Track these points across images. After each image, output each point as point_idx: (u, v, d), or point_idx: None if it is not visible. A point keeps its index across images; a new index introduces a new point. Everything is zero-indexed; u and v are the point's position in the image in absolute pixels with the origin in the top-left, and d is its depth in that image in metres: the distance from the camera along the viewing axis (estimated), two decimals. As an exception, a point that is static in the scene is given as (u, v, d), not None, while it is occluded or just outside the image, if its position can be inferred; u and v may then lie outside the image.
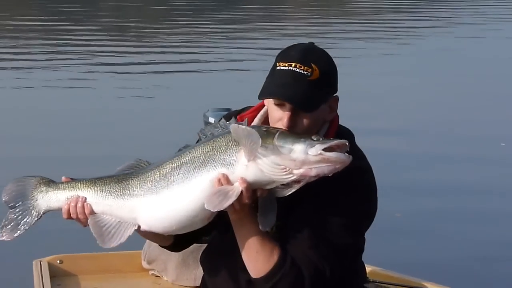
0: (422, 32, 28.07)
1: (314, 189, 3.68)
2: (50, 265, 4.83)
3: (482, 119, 13.77)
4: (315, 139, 3.36)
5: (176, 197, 3.52)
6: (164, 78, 17.49)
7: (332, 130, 3.87)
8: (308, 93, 3.74)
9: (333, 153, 3.33)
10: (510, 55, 22.65)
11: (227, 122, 3.53)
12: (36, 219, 3.70)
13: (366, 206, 3.87)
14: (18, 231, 3.72)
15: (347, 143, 3.37)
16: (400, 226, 8.91)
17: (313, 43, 3.90)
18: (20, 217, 3.73)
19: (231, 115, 4.05)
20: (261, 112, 3.95)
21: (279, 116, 3.76)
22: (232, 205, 3.41)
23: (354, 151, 3.80)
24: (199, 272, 4.27)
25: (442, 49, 23.45)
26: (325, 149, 3.33)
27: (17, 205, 3.74)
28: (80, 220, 3.61)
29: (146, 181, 3.59)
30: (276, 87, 3.75)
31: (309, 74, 3.72)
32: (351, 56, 20.06)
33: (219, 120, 3.63)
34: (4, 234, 3.71)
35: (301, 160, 3.34)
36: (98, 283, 4.95)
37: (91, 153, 10.14)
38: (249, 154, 3.39)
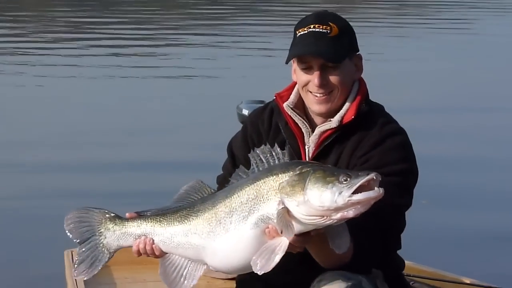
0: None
1: (364, 158, 3.85)
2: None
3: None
4: (343, 180, 3.32)
5: (232, 246, 3.56)
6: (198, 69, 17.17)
7: (360, 96, 3.94)
8: (331, 47, 3.84)
9: (362, 194, 3.30)
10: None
11: (280, 151, 3.53)
12: (108, 257, 3.77)
13: (407, 164, 3.90)
14: (95, 270, 3.78)
15: (374, 177, 3.33)
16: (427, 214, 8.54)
17: (325, 10, 4.09)
18: (92, 255, 3.78)
19: (264, 109, 4.20)
20: (295, 90, 4.01)
21: (307, 79, 3.87)
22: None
23: (386, 117, 4.00)
24: None
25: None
26: (353, 192, 3.31)
27: (86, 241, 3.78)
28: (152, 256, 3.75)
29: (205, 223, 3.61)
30: (301, 47, 3.88)
31: (328, 31, 3.87)
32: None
33: (273, 146, 3.59)
34: (81, 273, 3.79)
35: (333, 209, 3.32)
36: (129, 274, 4.99)
37: (139, 141, 10.15)
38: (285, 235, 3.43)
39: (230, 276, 4.58)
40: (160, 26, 25.60)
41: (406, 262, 4.23)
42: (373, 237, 3.69)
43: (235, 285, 4.18)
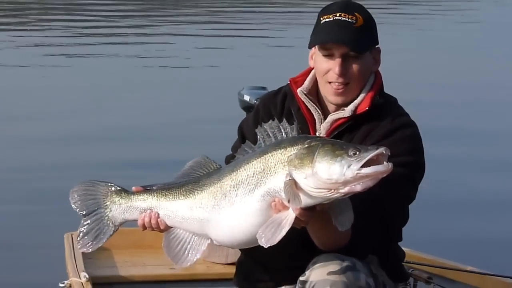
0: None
1: (386, 138, 3.85)
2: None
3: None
4: (352, 153, 3.30)
5: (238, 220, 3.55)
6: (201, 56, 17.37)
7: (376, 88, 3.96)
8: (356, 37, 3.86)
9: (371, 168, 3.31)
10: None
11: (289, 126, 3.52)
12: (113, 230, 3.76)
13: (415, 157, 3.92)
14: (99, 243, 3.78)
15: (384, 152, 3.32)
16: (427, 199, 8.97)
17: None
18: (96, 228, 3.78)
19: (278, 92, 4.18)
20: (310, 76, 4.00)
21: (328, 67, 3.87)
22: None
23: (398, 110, 4.02)
24: (232, 250, 4.35)
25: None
26: (363, 165, 3.30)
27: (91, 214, 3.77)
28: (156, 230, 3.75)
29: (210, 197, 3.60)
30: (326, 34, 3.88)
31: (354, 21, 3.88)
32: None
33: (281, 121, 3.58)
34: (85, 246, 3.78)
35: (341, 182, 3.31)
36: (129, 257, 4.97)
37: (145, 123, 10.20)
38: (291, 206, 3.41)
39: (229, 261, 4.60)
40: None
41: (405, 249, 4.21)
42: (373, 224, 3.70)
43: (234, 270, 4.18)
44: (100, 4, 27.89)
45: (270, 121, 3.55)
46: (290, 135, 3.53)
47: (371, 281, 3.75)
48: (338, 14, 3.91)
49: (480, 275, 4.75)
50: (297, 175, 3.36)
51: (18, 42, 17.24)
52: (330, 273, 3.66)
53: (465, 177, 9.16)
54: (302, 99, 3.99)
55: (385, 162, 3.29)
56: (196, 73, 15.29)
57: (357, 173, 3.28)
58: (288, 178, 3.37)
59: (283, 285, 4.03)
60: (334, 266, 3.68)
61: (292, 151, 3.42)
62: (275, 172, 3.45)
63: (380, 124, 3.91)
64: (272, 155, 3.47)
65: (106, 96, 12.55)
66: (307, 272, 3.73)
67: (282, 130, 3.53)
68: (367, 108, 3.91)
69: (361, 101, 3.94)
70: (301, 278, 3.74)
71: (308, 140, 3.43)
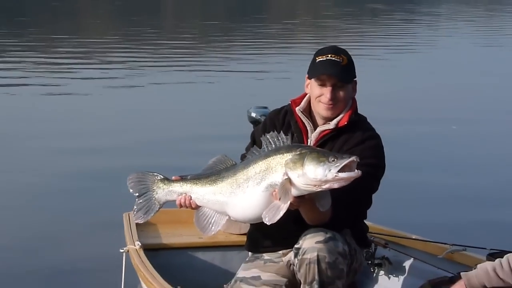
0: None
1: (350, 152, 3.93)
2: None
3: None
4: (331, 160, 3.49)
5: (248, 204, 3.75)
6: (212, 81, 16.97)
7: (352, 109, 4.18)
8: (343, 72, 4.10)
9: (346, 173, 3.49)
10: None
11: (285, 136, 3.73)
12: (158, 207, 3.99)
13: (380, 160, 4.14)
14: (148, 217, 4.01)
15: (355, 160, 3.51)
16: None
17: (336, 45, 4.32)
18: (147, 205, 4.00)
19: (281, 110, 4.36)
20: (305, 98, 4.24)
21: (321, 93, 4.09)
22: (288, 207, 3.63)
23: (367, 125, 4.24)
24: (244, 224, 4.61)
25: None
26: (340, 170, 3.49)
27: (142, 195, 4.01)
28: (189, 209, 3.94)
29: (228, 186, 3.80)
30: (322, 69, 4.09)
31: (341, 61, 4.11)
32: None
33: (279, 133, 3.79)
34: (138, 218, 4.01)
35: (324, 181, 3.51)
36: (169, 230, 5.12)
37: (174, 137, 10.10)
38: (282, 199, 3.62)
39: (242, 232, 4.75)
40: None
41: (368, 223, 4.42)
42: (347, 207, 3.88)
43: (245, 238, 4.40)
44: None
45: (271, 132, 3.75)
46: (286, 143, 3.68)
47: (346, 248, 3.94)
48: (329, 55, 4.12)
49: (423, 242, 4.79)
50: (292, 174, 3.56)
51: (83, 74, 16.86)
52: (317, 242, 3.84)
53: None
54: (299, 115, 4.20)
55: (356, 170, 3.49)
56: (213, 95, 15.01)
57: (335, 176, 3.48)
58: (285, 176, 3.57)
59: (281, 251, 4.20)
60: (320, 237, 3.85)
61: (288, 156, 3.60)
62: (275, 171, 3.63)
63: (354, 135, 4.11)
64: (273, 158, 3.65)
65: (151, 115, 12.38)
66: (300, 241, 3.90)
67: (280, 139, 3.71)
68: (345, 123, 4.12)
69: (342, 118, 4.13)
70: (296, 246, 3.92)
71: (300, 148, 3.62)
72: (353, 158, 3.53)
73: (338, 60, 4.13)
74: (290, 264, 4.12)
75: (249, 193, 3.74)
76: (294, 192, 3.62)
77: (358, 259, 4.20)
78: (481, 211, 7.45)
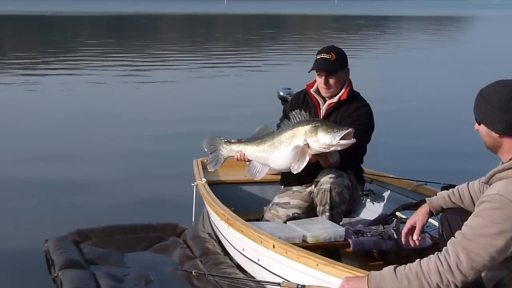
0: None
1: (349, 116, 4.04)
2: (203, 163, 4.90)
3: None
4: (335, 131, 3.54)
5: (281, 158, 3.79)
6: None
7: (349, 87, 4.14)
8: (331, 66, 4.05)
9: (345, 141, 3.55)
10: None
11: (303, 113, 3.78)
12: (223, 160, 4.06)
13: (371, 121, 4.15)
14: (216, 166, 4.08)
15: (351, 130, 3.54)
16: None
17: (333, 45, 4.25)
18: (216, 159, 4.05)
19: (301, 91, 4.33)
20: (316, 83, 4.19)
21: (319, 81, 4.10)
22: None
23: (361, 98, 4.20)
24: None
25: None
26: (341, 138, 3.53)
27: (212, 152, 4.06)
28: (243, 161, 3.97)
29: (268, 147, 3.82)
30: (317, 65, 4.07)
31: (330, 57, 4.06)
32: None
33: (300, 110, 3.84)
34: (211, 167, 4.10)
35: (330, 145, 3.58)
36: (224, 171, 4.91)
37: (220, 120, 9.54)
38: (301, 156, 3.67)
39: (274, 172, 4.56)
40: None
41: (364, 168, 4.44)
42: (350, 155, 3.88)
43: (279, 177, 4.39)
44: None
45: (296, 110, 3.82)
46: (306, 118, 3.75)
47: (349, 183, 4.01)
48: (323, 54, 4.10)
49: (397, 179, 4.70)
50: (309, 140, 3.62)
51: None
52: (330, 177, 3.91)
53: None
54: (313, 94, 4.18)
55: (352, 138, 3.54)
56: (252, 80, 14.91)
57: (338, 142, 3.55)
58: (305, 142, 3.62)
59: (304, 185, 4.20)
60: (332, 174, 3.92)
61: (307, 127, 3.65)
62: (299, 137, 3.67)
63: (351, 105, 4.13)
64: (297, 129, 3.68)
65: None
66: (319, 176, 3.96)
67: (301, 115, 3.77)
68: (345, 97, 4.11)
69: (342, 94, 4.13)
70: (315, 179, 3.98)
71: (315, 122, 3.67)
72: (350, 129, 3.57)
73: (327, 57, 4.06)
74: (311, 193, 4.10)
75: (282, 152, 3.75)
76: (311, 151, 3.64)
77: (356, 191, 4.20)
78: (437, 158, 7.33)
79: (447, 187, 3.93)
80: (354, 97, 4.16)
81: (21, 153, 7.28)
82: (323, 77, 4.07)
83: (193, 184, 4.72)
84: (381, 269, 2.70)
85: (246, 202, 4.65)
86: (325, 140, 3.56)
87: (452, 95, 12.47)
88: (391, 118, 9.43)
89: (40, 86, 13.64)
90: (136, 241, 4.32)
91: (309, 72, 4.16)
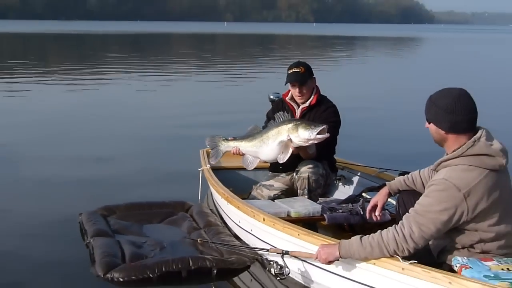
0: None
1: (320, 116, 3.96)
2: (208, 152, 4.68)
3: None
4: (312, 128, 3.46)
5: (269, 151, 3.68)
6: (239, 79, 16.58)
7: (317, 93, 4.06)
8: (302, 78, 3.99)
9: (320, 135, 3.47)
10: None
11: (286, 114, 3.67)
12: (222, 154, 3.98)
13: (338, 118, 4.08)
14: (216, 160, 4.03)
15: (325, 127, 3.46)
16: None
17: (299, 60, 4.12)
18: (216, 154, 3.97)
19: (279, 100, 4.28)
20: (290, 92, 4.14)
21: (293, 91, 4.05)
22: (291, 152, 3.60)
23: (328, 100, 4.09)
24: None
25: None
26: (318, 133, 3.46)
27: (213, 148, 3.98)
28: (237, 155, 3.87)
29: (258, 143, 3.72)
30: (290, 78, 3.99)
31: (300, 71, 3.99)
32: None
33: (283, 113, 3.71)
34: (212, 161, 4.05)
35: (308, 139, 3.49)
36: (225, 159, 4.67)
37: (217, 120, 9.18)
38: (285, 148, 3.58)
39: (267, 162, 4.49)
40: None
41: (337, 158, 4.39)
42: (324, 147, 3.84)
43: (268, 165, 4.29)
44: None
45: (280, 112, 3.74)
46: (287, 118, 3.66)
47: (324, 172, 3.99)
48: (293, 69, 4.02)
49: (363, 166, 4.58)
50: (291, 136, 3.54)
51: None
52: (308, 168, 3.90)
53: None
54: (289, 101, 4.13)
55: (326, 133, 3.47)
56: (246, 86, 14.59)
57: (315, 137, 3.48)
58: (288, 137, 3.54)
59: (288, 172, 4.14)
60: (310, 165, 3.94)
61: (289, 125, 3.56)
62: (283, 134, 3.58)
63: (320, 107, 4.08)
64: (281, 127, 3.59)
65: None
66: (299, 166, 3.94)
67: (284, 115, 3.68)
68: (315, 102, 4.05)
69: (312, 99, 4.07)
70: (296, 168, 3.96)
71: (296, 121, 3.61)
72: (325, 126, 3.49)
73: (298, 70, 3.98)
74: (292, 179, 4.06)
75: (269, 146, 3.66)
76: (293, 145, 3.55)
77: (330, 178, 4.14)
78: (395, 150, 7.27)
79: (403, 173, 3.92)
80: (322, 100, 4.09)
81: (66, 142, 7.33)
82: (297, 88, 4.01)
83: (199, 169, 4.66)
84: (350, 239, 2.72)
85: (242, 184, 4.58)
86: (305, 135, 3.49)
87: (405, 98, 12.42)
88: (358, 115, 9.36)
89: (77, 89, 13.59)
90: (152, 216, 4.31)
91: (285, 84, 4.09)
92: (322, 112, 4.01)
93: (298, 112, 4.08)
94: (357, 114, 9.52)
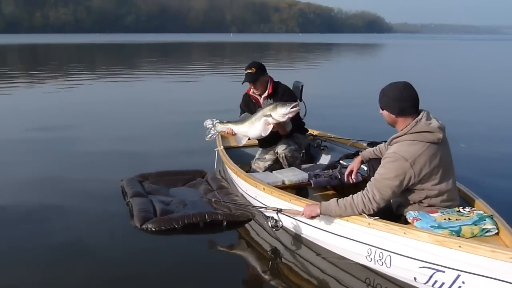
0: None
1: (280, 99, 3.70)
2: (222, 136, 4.68)
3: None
4: (287, 105, 3.34)
5: (255, 130, 3.54)
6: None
7: (272, 83, 3.85)
8: (253, 77, 3.78)
9: (294, 109, 3.35)
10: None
11: (269, 102, 3.55)
12: (217, 134, 3.80)
13: (295, 97, 3.85)
14: (212, 138, 3.82)
15: (297, 103, 3.35)
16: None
17: (254, 61, 3.85)
18: (211, 133, 3.79)
19: (245, 94, 4.00)
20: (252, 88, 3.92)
21: (250, 87, 3.86)
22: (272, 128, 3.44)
23: (282, 84, 3.89)
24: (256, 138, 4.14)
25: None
26: (291, 108, 3.33)
27: (210, 129, 3.79)
28: (230, 135, 3.73)
29: (247, 124, 3.58)
30: (246, 78, 3.80)
31: (252, 71, 3.78)
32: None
33: (264, 101, 3.62)
34: (208, 138, 3.82)
35: (285, 113, 3.36)
36: (228, 141, 4.75)
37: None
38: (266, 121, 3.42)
39: (254, 140, 4.29)
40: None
41: (315, 131, 4.33)
42: (294, 120, 3.66)
43: (257, 142, 4.13)
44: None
45: (267, 100, 3.63)
46: (269, 103, 3.49)
47: (297, 146, 3.93)
48: (247, 70, 3.82)
49: (340, 138, 4.48)
50: (272, 113, 3.41)
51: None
52: (283, 149, 3.80)
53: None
54: (252, 94, 3.95)
55: (297, 107, 3.37)
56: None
57: (289, 111, 3.35)
58: (269, 115, 3.41)
59: (272, 146, 4.01)
60: (284, 145, 3.83)
61: (270, 106, 3.43)
62: (266, 113, 3.44)
63: (278, 93, 3.84)
64: (265, 109, 3.45)
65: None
66: (276, 148, 3.88)
67: (268, 102, 3.58)
68: (271, 91, 3.85)
69: (269, 88, 3.89)
70: (276, 151, 3.88)
71: (274, 103, 3.46)
72: (296, 103, 3.38)
73: (250, 71, 3.77)
74: (276, 151, 3.97)
75: (255, 125, 3.52)
76: (273, 121, 3.41)
77: (304, 144, 4.00)
78: (363, 124, 7.05)
79: (370, 143, 3.91)
80: (277, 88, 3.88)
81: (111, 125, 7.21)
82: (252, 85, 3.86)
83: (215, 150, 4.56)
84: (329, 200, 2.74)
85: (245, 159, 4.50)
86: (282, 111, 3.36)
87: (368, 88, 11.85)
88: (335, 102, 9.13)
89: (118, 86, 13.40)
90: (176, 181, 4.28)
91: (242, 84, 3.86)
92: (282, 96, 3.81)
93: (262, 101, 3.90)
94: (335, 101, 9.38)
